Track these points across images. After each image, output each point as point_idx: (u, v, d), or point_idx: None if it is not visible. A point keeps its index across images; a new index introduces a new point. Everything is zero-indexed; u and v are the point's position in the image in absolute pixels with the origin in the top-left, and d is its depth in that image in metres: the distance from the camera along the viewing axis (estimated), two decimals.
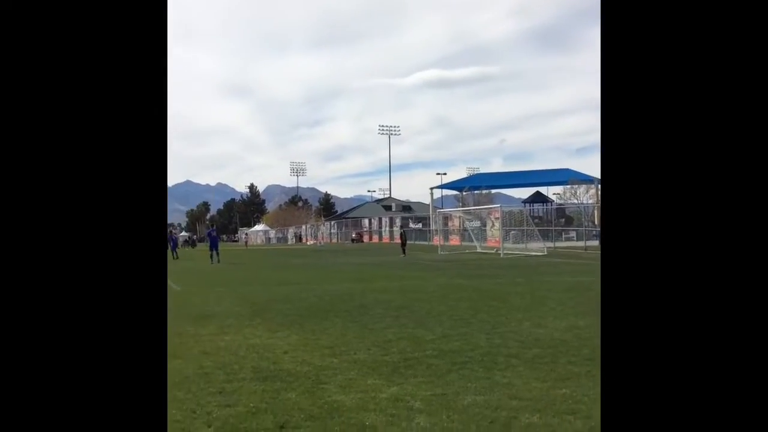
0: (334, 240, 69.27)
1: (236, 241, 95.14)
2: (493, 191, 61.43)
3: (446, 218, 43.62)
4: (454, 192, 63.63)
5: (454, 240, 41.16)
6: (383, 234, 59.10)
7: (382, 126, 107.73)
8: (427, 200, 61.65)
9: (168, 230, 50.21)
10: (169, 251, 38.84)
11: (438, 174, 77.75)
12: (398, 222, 55.06)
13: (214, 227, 33.37)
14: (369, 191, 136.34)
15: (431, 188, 58.74)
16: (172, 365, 5.64)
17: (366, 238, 62.01)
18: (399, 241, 33.09)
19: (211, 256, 27.52)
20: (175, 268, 23.78)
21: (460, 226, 41.02)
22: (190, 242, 63.48)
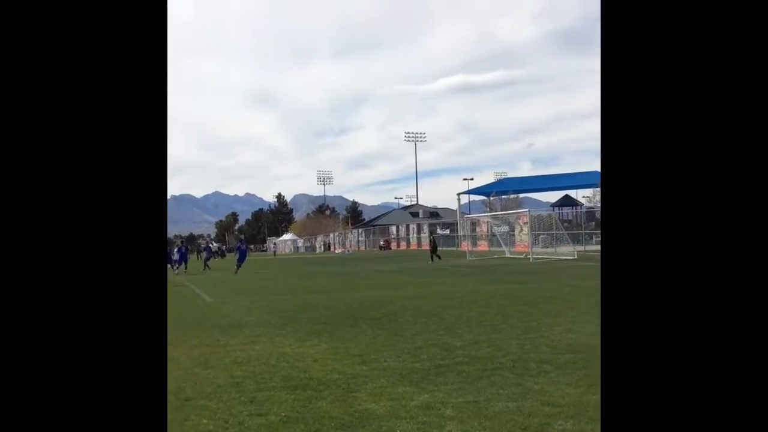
0: (362, 248, 69.40)
1: (265, 250, 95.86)
2: (521, 195, 60.95)
3: (474, 224, 43.42)
4: (482, 197, 63.29)
5: (483, 245, 40.94)
6: (411, 241, 59.03)
7: (408, 133, 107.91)
8: (454, 206, 61.43)
9: (205, 241, 50.84)
10: (199, 262, 39.23)
11: (465, 179, 77.27)
12: (426, 228, 54.98)
13: (243, 241, 34.89)
14: (396, 198, 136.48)
15: (458, 194, 58.47)
16: (204, 375, 5.71)
17: (394, 245, 62.00)
18: (429, 247, 32.89)
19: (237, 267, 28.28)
20: (205, 278, 24.03)
21: (488, 232, 40.78)
22: (219, 253, 64.13)
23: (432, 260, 29.44)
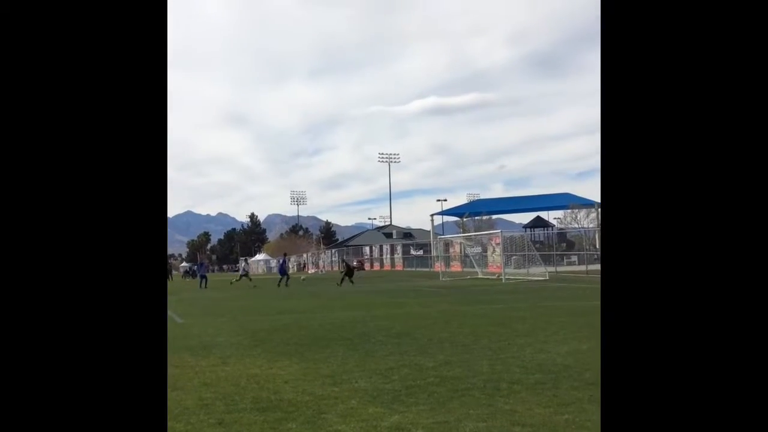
0: (335, 268, 69.11)
1: (237, 270, 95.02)
2: (494, 217, 61.40)
3: (447, 244, 43.58)
4: (455, 218, 63.69)
5: (456, 266, 41.07)
6: (384, 261, 58.98)
7: (382, 154, 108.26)
8: (428, 227, 61.67)
9: (200, 260, 50.67)
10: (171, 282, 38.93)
11: (438, 200, 77.69)
12: (399, 249, 54.93)
13: (203, 262, 42.60)
14: (370, 219, 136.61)
15: (432, 215, 58.80)
16: (172, 396, 5.61)
17: (367, 266, 61.88)
18: (341, 270, 32.07)
19: (200, 284, 32.72)
20: (175, 299, 23.70)
21: (461, 253, 40.96)
22: (190, 273, 63.31)
23: (341, 284, 28.42)
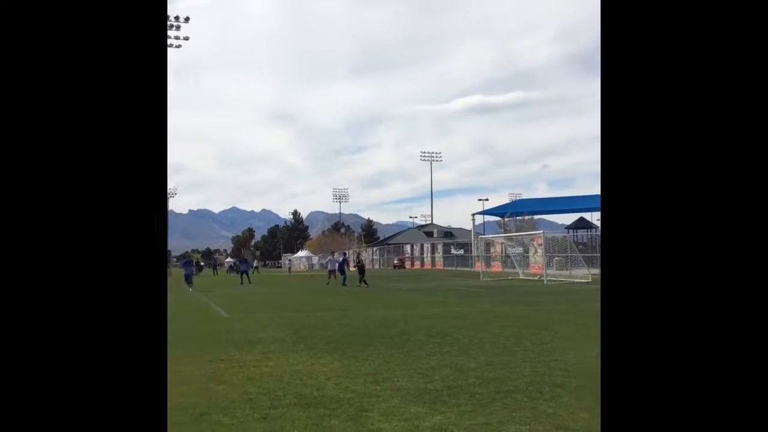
0: (376, 266, 69.34)
1: (279, 267, 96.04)
2: (536, 217, 60.64)
3: (488, 244, 43.29)
4: (496, 218, 63.14)
5: (496, 266, 40.79)
6: (425, 260, 58.92)
7: (424, 152, 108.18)
8: (468, 226, 61.27)
9: (242, 257, 52.35)
10: (215, 277, 39.60)
11: (480, 200, 77.27)
12: (440, 248, 54.80)
13: (245, 259, 43.85)
14: (411, 217, 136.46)
15: (473, 214, 58.35)
16: (219, 390, 5.75)
17: (408, 264, 61.91)
18: (355, 268, 30.57)
19: (242, 280, 33.22)
20: (222, 293, 24.13)
21: (502, 253, 40.64)
22: (235, 268, 64.39)
23: (360, 283, 27.40)
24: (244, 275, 33.87)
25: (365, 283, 27.30)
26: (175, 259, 46.12)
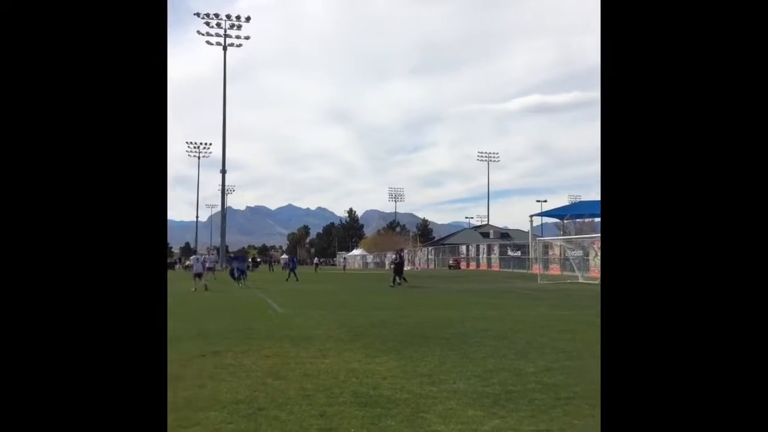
0: (431, 266, 69.14)
1: (334, 264, 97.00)
2: (596, 220, 59.29)
3: (546, 247, 42.56)
4: (555, 220, 62.01)
5: (555, 269, 40.06)
6: (481, 261, 58.41)
7: (481, 152, 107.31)
8: (526, 227, 60.42)
9: (290, 255, 53.89)
10: (272, 273, 40.51)
11: (538, 201, 75.91)
12: (497, 249, 54.21)
13: (294, 257, 46.23)
14: (467, 217, 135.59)
15: (531, 215, 57.43)
16: (276, 385, 5.79)
17: (463, 265, 61.50)
18: (392, 267, 29.03)
19: (289, 276, 34.12)
20: (277, 289, 24.48)
21: (560, 255, 39.89)
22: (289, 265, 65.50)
23: (394, 283, 26.20)
24: (292, 273, 34.40)
25: (404, 280, 26.51)
26: (231, 255, 47.29)
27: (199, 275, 24.90)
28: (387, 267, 30.92)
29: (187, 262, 48.34)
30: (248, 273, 31.16)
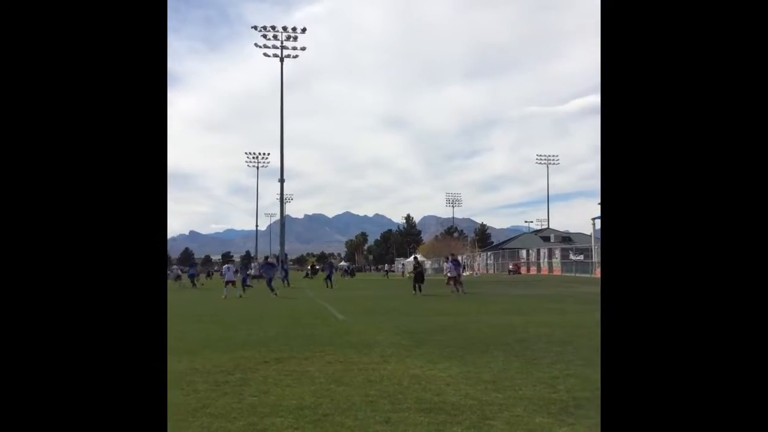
0: (490, 271, 68.42)
1: (393, 271, 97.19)
2: None
3: None
4: None
5: None
6: (542, 265, 57.44)
7: (540, 155, 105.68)
8: (588, 231, 59.05)
9: (328, 261, 54.20)
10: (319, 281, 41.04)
11: (600, 204, 74.20)
12: (558, 253, 53.18)
13: (331, 263, 46.83)
14: (526, 222, 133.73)
15: (593, 218, 56.18)
16: (339, 392, 5.80)
17: (523, 270, 60.60)
18: (412, 274, 27.23)
19: (327, 283, 34.31)
20: (335, 296, 24.65)
21: None
22: (349, 272, 65.84)
23: (415, 291, 24.52)
24: (328, 280, 34.64)
25: (419, 290, 24.53)
26: (291, 262, 48.29)
27: (231, 282, 25.92)
28: (445, 272, 29.75)
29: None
30: (289, 281, 31.54)
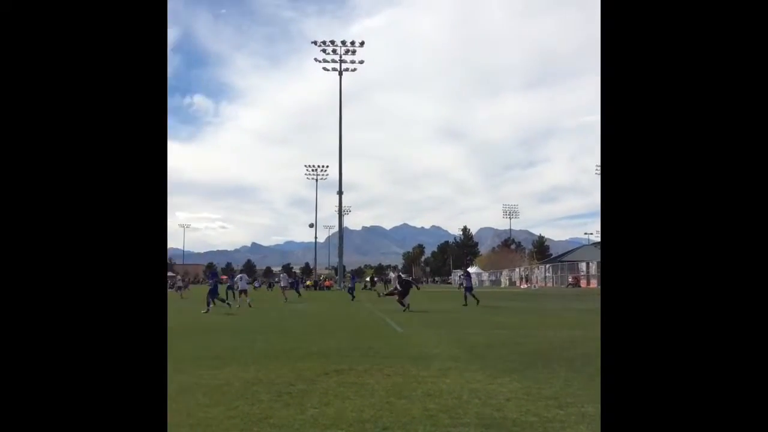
0: (549, 284, 67.22)
1: (450, 283, 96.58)
2: None
3: None
4: None
5: None
6: None
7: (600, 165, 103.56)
8: None
9: (351, 274, 54.67)
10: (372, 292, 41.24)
11: None
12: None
13: (354, 275, 47.69)
14: (586, 233, 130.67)
15: None
16: (399, 405, 5.82)
17: (583, 283, 59.30)
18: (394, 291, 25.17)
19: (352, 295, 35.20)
20: (393, 308, 24.68)
21: None
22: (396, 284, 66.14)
23: (404, 306, 22.57)
24: (351, 293, 35.10)
25: (402, 305, 22.63)
26: (350, 273, 48.92)
27: (244, 292, 26.80)
28: (503, 284, 29.47)
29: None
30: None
